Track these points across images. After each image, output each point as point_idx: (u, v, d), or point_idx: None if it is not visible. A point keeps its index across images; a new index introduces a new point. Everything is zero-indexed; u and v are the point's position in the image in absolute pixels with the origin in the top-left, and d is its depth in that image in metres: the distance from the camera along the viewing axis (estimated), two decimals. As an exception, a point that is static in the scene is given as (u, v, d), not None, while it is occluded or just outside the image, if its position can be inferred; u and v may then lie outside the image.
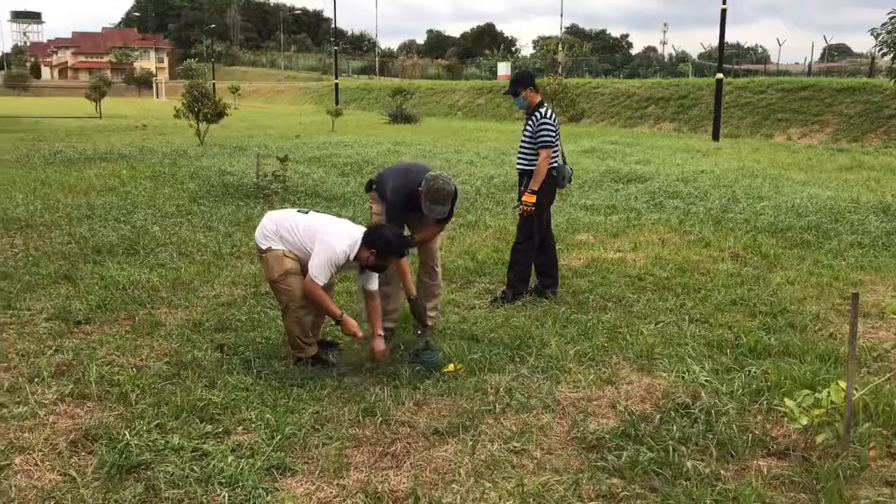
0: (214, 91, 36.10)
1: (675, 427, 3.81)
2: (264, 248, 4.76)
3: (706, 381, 4.44)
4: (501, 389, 4.36)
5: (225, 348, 4.94)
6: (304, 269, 4.70)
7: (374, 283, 4.83)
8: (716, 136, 25.29)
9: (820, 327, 5.65)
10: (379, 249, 4.58)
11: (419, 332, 5.26)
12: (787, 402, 3.63)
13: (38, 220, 9.06)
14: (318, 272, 4.54)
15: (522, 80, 6.50)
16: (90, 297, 6.07)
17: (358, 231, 4.66)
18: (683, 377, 4.53)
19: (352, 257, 4.61)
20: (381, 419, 3.98)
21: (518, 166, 6.49)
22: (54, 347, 5.01)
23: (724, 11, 25.43)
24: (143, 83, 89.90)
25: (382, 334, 4.80)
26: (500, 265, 7.38)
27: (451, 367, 4.68)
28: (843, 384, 3.50)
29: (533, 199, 6.20)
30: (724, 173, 14.11)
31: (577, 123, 31.57)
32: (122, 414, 3.99)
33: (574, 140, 23.31)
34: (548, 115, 6.29)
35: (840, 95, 27.07)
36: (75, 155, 16.31)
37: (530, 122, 6.30)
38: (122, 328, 5.45)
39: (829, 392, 3.53)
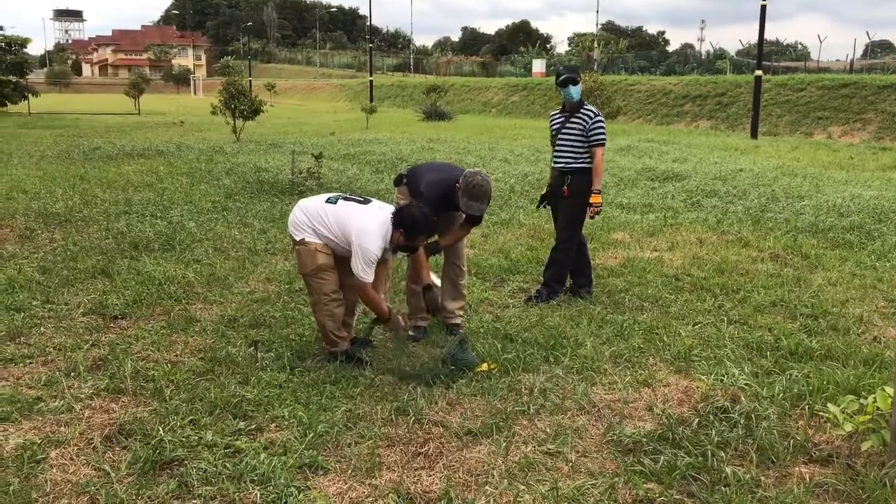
0: (251, 88, 36.40)
1: (713, 431, 3.72)
2: (297, 239, 4.74)
3: (746, 384, 4.33)
4: (535, 390, 4.30)
5: (259, 345, 4.94)
6: (338, 261, 4.70)
7: (390, 257, 4.86)
8: (754, 134, 24.90)
9: (863, 330, 5.50)
10: (407, 229, 4.58)
11: (452, 333, 5.22)
12: (831, 407, 3.52)
13: (76, 216, 9.19)
14: (363, 273, 4.53)
15: (579, 71, 6.45)
16: (126, 292, 6.13)
17: (387, 217, 4.63)
18: (722, 380, 4.43)
19: (388, 243, 4.62)
20: (413, 418, 3.94)
21: (558, 164, 6.33)
22: (91, 342, 5.06)
23: (763, 7, 25.04)
24: (181, 80, 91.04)
25: (387, 313, 4.83)
26: (534, 264, 7.32)
27: (484, 366, 4.64)
28: (889, 390, 3.39)
29: (600, 199, 6.13)
30: (763, 172, 13.86)
31: (613, 121, 31.26)
32: (157, 409, 4.01)
33: (610, 138, 22.97)
34: (600, 113, 6.23)
35: (883, 93, 26.46)
36: (113, 151, 16.54)
37: (581, 120, 6.16)
38: (157, 323, 5.49)
39: (874, 398, 3.42)
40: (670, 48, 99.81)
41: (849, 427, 3.42)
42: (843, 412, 3.47)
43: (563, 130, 6.28)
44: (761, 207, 10.19)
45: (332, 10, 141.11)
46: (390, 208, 4.72)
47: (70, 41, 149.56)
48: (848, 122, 26.41)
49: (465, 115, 39.15)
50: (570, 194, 6.24)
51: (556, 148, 6.36)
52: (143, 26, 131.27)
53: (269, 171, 13.30)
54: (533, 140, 21.85)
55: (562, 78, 6.25)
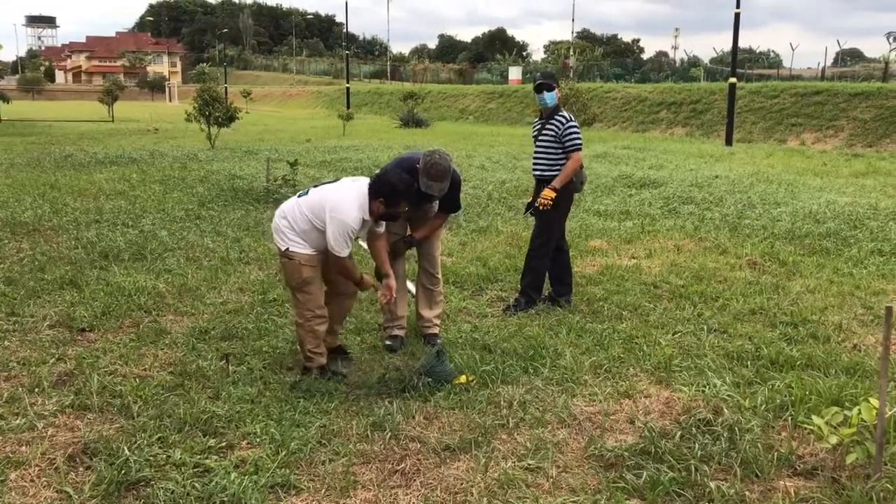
0: (227, 95, 35.95)
1: (696, 445, 3.65)
2: (282, 249, 4.61)
3: (727, 395, 4.27)
4: (515, 403, 4.21)
5: (230, 358, 4.80)
6: (323, 266, 4.61)
7: (380, 227, 4.76)
8: (729, 141, 25.07)
9: (843, 338, 5.47)
10: (387, 197, 4.48)
11: (429, 343, 5.12)
12: (816, 419, 3.46)
13: (45, 225, 8.98)
14: (338, 246, 4.42)
15: (555, 77, 6.40)
16: (95, 303, 5.97)
17: (362, 188, 4.52)
18: (703, 391, 4.37)
19: (366, 215, 4.51)
20: (390, 434, 3.83)
21: (536, 172, 6.26)
22: (56, 356, 4.90)
23: (737, 15, 25.23)
24: (156, 87, 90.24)
25: (391, 273, 4.81)
26: (512, 272, 7.24)
27: (462, 378, 4.54)
28: (874, 401, 3.34)
29: (552, 194, 6.00)
30: (739, 178, 13.91)
31: (589, 128, 31.35)
32: (123, 426, 3.87)
33: (586, 145, 22.98)
34: (573, 119, 6.16)
35: (855, 100, 26.79)
36: (86, 159, 16.27)
37: (554, 125, 6.09)
38: (126, 336, 5.33)
39: (859, 409, 3.37)
40: (645, 56, 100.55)
41: (834, 439, 3.36)
42: (828, 424, 3.41)
43: (540, 137, 6.22)
44: (738, 214, 10.20)
45: (309, 16, 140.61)
46: (365, 180, 4.62)
47: (43, 48, 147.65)
48: (821, 128, 26.69)
49: (443, 122, 39.10)
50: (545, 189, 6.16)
51: (534, 155, 6.30)
52: (117, 33, 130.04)
53: (244, 178, 13.14)
54: (510, 147, 21.82)
55: (537, 83, 6.20)
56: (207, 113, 20.24)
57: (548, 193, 6.00)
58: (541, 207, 6.03)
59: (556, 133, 6.07)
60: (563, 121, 6.09)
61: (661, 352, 5.05)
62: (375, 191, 4.47)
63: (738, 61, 29.21)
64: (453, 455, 3.67)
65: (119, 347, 5.07)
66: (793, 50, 63.73)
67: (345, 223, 4.37)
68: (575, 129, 6.06)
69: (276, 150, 20.09)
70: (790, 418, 4.00)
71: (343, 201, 4.41)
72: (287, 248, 4.59)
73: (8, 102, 37.87)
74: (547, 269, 6.30)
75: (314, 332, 4.62)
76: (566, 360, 4.88)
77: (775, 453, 3.61)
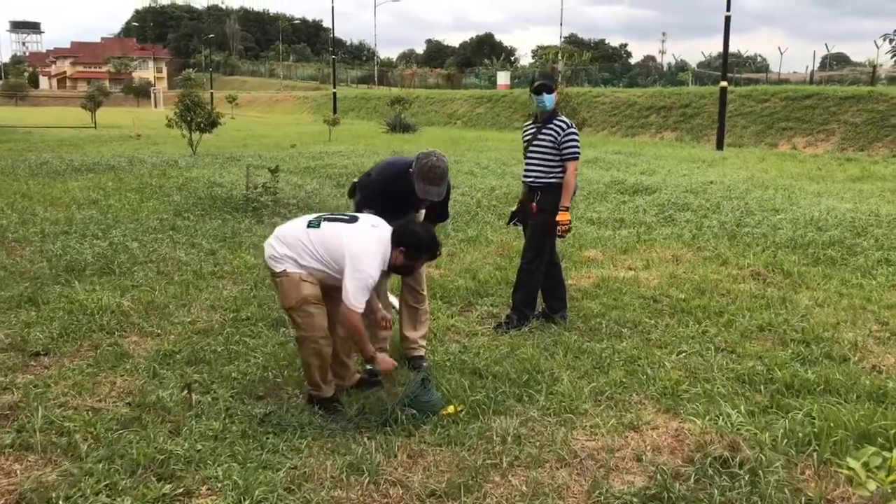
0: (212, 100, 35.28)
1: (714, 488, 3.24)
2: (278, 271, 4.15)
3: (743, 426, 3.87)
4: (509, 438, 3.79)
5: (193, 387, 4.36)
6: (325, 290, 4.15)
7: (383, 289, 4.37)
8: (720, 146, 24.80)
9: (860, 357, 5.08)
10: (409, 247, 4.08)
11: (414, 367, 4.70)
12: (851, 461, 3.05)
13: (9, 236, 8.50)
14: (356, 301, 3.92)
15: (554, 78, 5.97)
16: (53, 324, 5.51)
17: (385, 236, 4.10)
18: (716, 421, 3.97)
19: (387, 265, 4.11)
20: (368, 478, 3.40)
21: (528, 178, 5.83)
22: (3, 385, 4.44)
23: (727, 19, 25.00)
24: (142, 93, 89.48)
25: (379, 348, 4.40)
26: (503, 285, 6.83)
27: (450, 408, 4.12)
28: (916, 441, 2.94)
29: (568, 216, 5.60)
30: (734, 184, 13.57)
31: (579, 132, 31.03)
32: (67, 471, 3.42)
33: (576, 149, 22.76)
34: (573, 125, 5.74)
35: (845, 104, 26.57)
36: (62, 166, 15.75)
37: (552, 131, 5.66)
38: (83, 361, 4.88)
39: (899, 450, 2.96)
40: (632, 60, 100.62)
41: (872, 486, 2.95)
42: (865, 466, 3.00)
43: (535, 142, 5.78)
44: (736, 221, 9.83)
45: (296, 21, 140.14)
46: (385, 225, 4.18)
47: (27, 53, 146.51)
48: (812, 132, 26.46)
49: (431, 127, 38.69)
50: (538, 210, 5.74)
51: (527, 161, 5.87)
52: (102, 38, 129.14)
53: (224, 186, 12.67)
54: (499, 152, 21.43)
55: (535, 84, 5.75)
56: (189, 118, 19.74)
57: (564, 217, 5.59)
58: (564, 235, 5.65)
59: (555, 139, 5.66)
60: (563, 126, 5.68)
61: (667, 375, 4.65)
62: (398, 239, 4.08)
63: (728, 66, 29.00)
64: (440, 502, 3.25)
65: (74, 374, 4.62)
66: (781, 54, 63.98)
67: (366, 275, 3.93)
68: (575, 137, 5.65)
69: (260, 155, 19.64)
70: (815, 454, 3.59)
71: (366, 252, 3.98)
72: (284, 270, 4.14)
73: (-12, 108, 37.14)
74: (540, 284, 5.89)
75: (320, 353, 4.15)
76: (564, 386, 4.47)
77: (803, 497, 3.21)
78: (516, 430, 3.88)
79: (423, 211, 4.88)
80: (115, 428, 3.87)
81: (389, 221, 4.61)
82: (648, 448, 3.73)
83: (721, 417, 4.00)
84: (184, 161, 17.30)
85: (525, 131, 6.01)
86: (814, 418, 3.95)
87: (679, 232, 9.28)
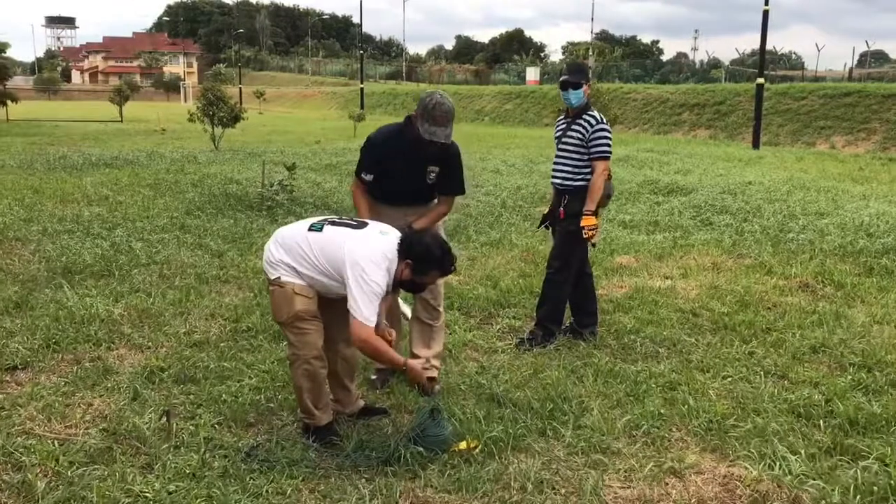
0: (241, 95, 34.76)
1: (776, 560, 2.69)
2: (272, 278, 3.69)
3: (805, 475, 3.30)
4: (529, 484, 3.26)
5: (174, 413, 3.88)
6: (322, 301, 3.67)
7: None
8: (756, 144, 23.97)
9: (931, 387, 4.48)
10: (417, 259, 3.55)
11: (424, 392, 4.18)
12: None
13: (10, 234, 8.12)
14: (368, 312, 3.42)
15: (585, 71, 5.34)
16: (36, 333, 5.07)
17: (391, 245, 3.58)
18: (772, 466, 3.40)
19: (392, 276, 3.59)
20: (361, 535, 2.90)
21: (556, 180, 5.26)
22: (-32, 406, 4.01)
23: (765, 13, 24.14)
24: (172, 87, 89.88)
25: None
26: (527, 295, 6.30)
27: (463, 444, 3.59)
28: None
29: (593, 220, 5.03)
30: (774, 185, 12.86)
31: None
32: (16, 517, 2.96)
33: (606, 147, 22.12)
34: (604, 120, 5.18)
35: (888, 102, 25.58)
36: (80, 160, 15.45)
37: (581, 127, 5.10)
38: (61, 378, 4.43)
39: None
40: (664, 58, 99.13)
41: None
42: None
43: (563, 140, 5.22)
44: (780, 226, 9.18)
45: (325, 17, 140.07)
46: (395, 233, 3.68)
47: (61, 48, 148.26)
48: (851, 131, 25.53)
49: (458, 124, 37.56)
50: (566, 216, 5.19)
51: (555, 161, 5.31)
52: (134, 33, 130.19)
53: (240, 182, 12.25)
54: (527, 150, 20.86)
55: (561, 79, 5.17)
56: (211, 113, 19.42)
57: (588, 221, 5.02)
58: (592, 242, 5.08)
59: (583, 136, 5.10)
60: (592, 122, 5.11)
61: (711, 407, 4.09)
62: (405, 250, 3.57)
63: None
64: (445, 568, 2.74)
65: (48, 394, 4.17)
66: (818, 51, 62.34)
67: (376, 285, 3.45)
68: (605, 134, 5.08)
69: (283, 151, 19.28)
70: (894, 514, 3.03)
71: (368, 261, 3.48)
72: (278, 277, 3.67)
73: (16, 102, 37.15)
74: (567, 297, 5.34)
75: (312, 374, 3.65)
76: (594, 418, 3.93)
77: (884, 573, 2.65)
78: (538, 473, 3.35)
79: (435, 180, 4.36)
80: (81, 462, 3.41)
81: (399, 188, 4.25)
82: (693, 500, 3.18)
83: (778, 462, 3.44)
84: (204, 156, 16.97)
85: (557, 127, 5.44)
86: (888, 466, 3.37)
87: (718, 237, 8.66)
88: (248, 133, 26.00)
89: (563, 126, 5.27)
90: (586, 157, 5.08)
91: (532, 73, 57.92)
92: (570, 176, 5.16)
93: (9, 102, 34.77)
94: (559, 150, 5.25)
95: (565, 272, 5.25)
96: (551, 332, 5.26)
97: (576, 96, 5.11)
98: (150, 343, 5.05)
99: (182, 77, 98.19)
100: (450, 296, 6.15)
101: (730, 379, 4.57)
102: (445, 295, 5.78)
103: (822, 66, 58.21)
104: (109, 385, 4.34)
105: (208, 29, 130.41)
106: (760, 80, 24.68)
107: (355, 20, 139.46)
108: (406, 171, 4.26)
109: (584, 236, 5.01)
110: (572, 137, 5.13)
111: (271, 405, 4.10)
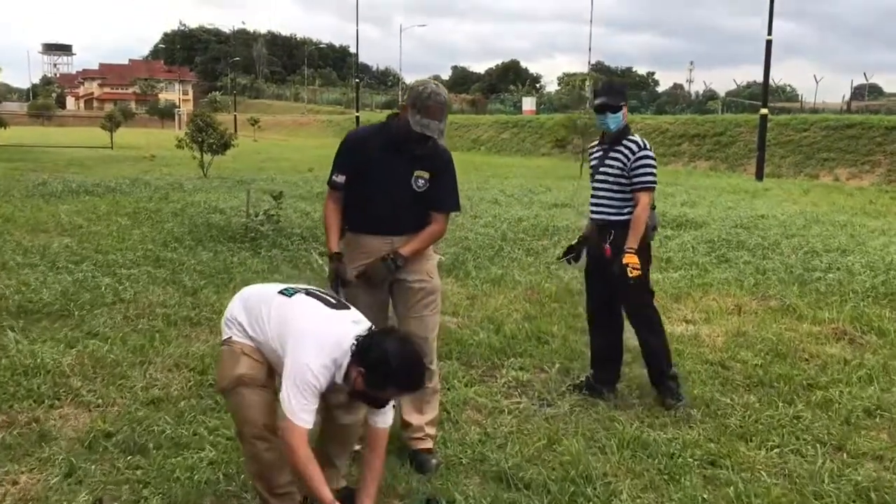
0: (236, 123, 34.21)
1: None
2: (224, 338, 3.10)
3: None
4: None
5: (107, 501, 3.18)
6: (274, 377, 3.03)
7: (383, 419, 3.03)
8: (759, 176, 23.49)
9: None
10: (371, 369, 2.76)
11: (421, 468, 3.48)
12: None
13: (-33, 268, 7.43)
14: (294, 407, 2.76)
15: (623, 91, 4.67)
16: (-32, 388, 4.37)
17: (348, 336, 2.84)
18: (855, 580, 2.72)
19: (339, 377, 2.86)
20: None
21: (597, 216, 4.58)
22: None
23: (769, 43, 23.82)
24: (167, 114, 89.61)
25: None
26: (535, 342, 5.62)
27: (466, 543, 2.90)
28: None
29: (635, 259, 4.34)
30: (789, 219, 12.26)
31: (608, 160, 29.83)
32: None
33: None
34: (648, 146, 4.52)
35: (892, 134, 25.16)
36: (59, 188, 14.77)
37: (621, 154, 4.44)
38: (-14, 446, 3.73)
39: None
40: (659, 89, 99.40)
41: None
42: None
43: (601, 169, 4.55)
44: (803, 264, 8.52)
45: (322, 46, 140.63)
46: (363, 326, 2.93)
47: (58, 75, 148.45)
48: (855, 163, 25.11)
49: (455, 153, 36.66)
50: (613, 253, 4.44)
51: (593, 192, 4.64)
52: (130, 60, 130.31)
53: (224, 212, 11.58)
54: (525, 179, 20.30)
55: (597, 103, 4.53)
56: (200, 139, 18.82)
57: (631, 260, 4.33)
58: (631, 280, 4.37)
59: (624, 164, 4.44)
60: (634, 148, 4.44)
61: (764, 490, 3.40)
62: (358, 353, 2.81)
63: (757, 94, 27.79)
64: None
65: (-35, 468, 3.47)
66: (817, 83, 61.87)
67: (305, 371, 2.77)
68: (649, 161, 4.42)
69: (273, 179, 18.68)
70: None
71: (315, 341, 2.82)
72: (229, 338, 3.06)
73: (5, 128, 36.65)
74: (663, 329, 4.68)
75: (256, 457, 2.97)
76: (623, 506, 3.24)
77: None
78: (562, 588, 2.66)
79: (425, 191, 3.68)
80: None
81: (380, 199, 3.59)
82: None
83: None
84: (190, 184, 16.33)
85: (590, 154, 4.78)
86: None
87: (738, 276, 8.00)
88: (241, 160, 25.40)
89: (599, 154, 4.61)
90: (629, 187, 4.44)
91: (528, 104, 57.83)
92: (613, 211, 4.50)
93: (-2, 128, 34.27)
94: (597, 181, 4.58)
95: (651, 313, 4.62)
96: (675, 376, 4.61)
97: (614, 121, 4.46)
98: (100, 400, 4.34)
99: (177, 104, 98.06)
100: (447, 342, 5.48)
101: (777, 450, 3.88)
102: (442, 341, 5.13)
103: (818, 98, 57.84)
104: (43, 455, 3.63)
105: (205, 57, 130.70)
106: (764, 111, 24.30)
107: (352, 50, 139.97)
108: (389, 176, 3.60)
109: (630, 276, 4.33)
110: (612, 167, 4.47)
111: (232, 486, 3.39)
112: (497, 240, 10.06)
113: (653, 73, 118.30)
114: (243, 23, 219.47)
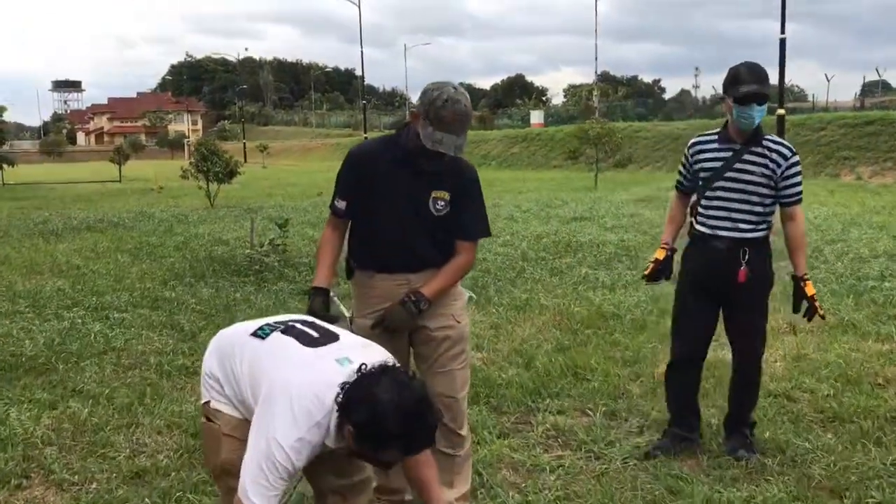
0: (245, 151, 33.65)
1: None
2: (203, 401, 2.56)
3: None
4: None
5: None
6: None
7: (360, 473, 2.57)
8: (781, 178, 22.78)
9: None
10: (360, 430, 2.17)
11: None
12: None
13: (-51, 319, 6.89)
14: (251, 491, 2.19)
15: (769, 79, 3.77)
16: (-75, 468, 3.79)
17: (333, 383, 2.22)
18: None
19: (331, 441, 2.26)
20: None
21: (726, 231, 3.74)
22: None
23: (783, 42, 23.22)
24: (176, 145, 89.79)
25: None
26: (572, 378, 5.00)
27: None
28: None
29: (812, 289, 3.74)
30: (825, 222, 11.59)
31: (624, 169, 29.22)
32: None
33: (624, 188, 20.99)
34: (796, 151, 3.79)
35: (915, 130, 24.47)
36: (60, 225, 14.32)
37: (766, 159, 3.65)
38: (-64, 544, 3.14)
39: None
40: (666, 96, 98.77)
41: None
42: None
43: (731, 173, 3.72)
44: (852, 272, 7.86)
45: (328, 70, 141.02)
46: (349, 368, 2.28)
47: (68, 111, 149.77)
48: (877, 161, 24.41)
49: (464, 170, 37.09)
50: (749, 278, 3.74)
51: (716, 200, 3.77)
52: (138, 93, 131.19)
53: (228, 243, 11.05)
54: (539, 193, 19.70)
55: (744, 91, 3.56)
56: (205, 168, 18.34)
57: (812, 290, 3.72)
58: (821, 315, 3.77)
59: (773, 171, 3.66)
60: (786, 152, 3.67)
61: (879, 568, 2.75)
62: (345, 407, 2.20)
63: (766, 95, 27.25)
64: None
65: None
66: (828, 81, 60.53)
67: (277, 447, 2.18)
68: (800, 169, 3.74)
69: (281, 206, 18.18)
70: None
71: (283, 407, 2.22)
72: (208, 402, 2.51)
73: (13, 166, 36.38)
74: (759, 383, 4.07)
75: None
76: None
77: None
78: None
79: (445, 213, 3.06)
80: None
81: (392, 226, 2.98)
82: None
83: None
84: (195, 215, 15.84)
85: (700, 149, 3.87)
86: None
87: (783, 288, 7.30)
88: (249, 188, 25.00)
89: (727, 153, 3.76)
90: (770, 199, 3.71)
91: (536, 116, 57.47)
92: (750, 226, 3.73)
93: (4, 166, 34.04)
94: (724, 188, 3.74)
95: (763, 344, 4.01)
96: (753, 423, 4.00)
97: (761, 115, 3.65)
98: (75, 476, 3.74)
99: (186, 135, 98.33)
100: (473, 382, 4.82)
101: (879, 508, 3.24)
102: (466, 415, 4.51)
103: (826, 97, 57.03)
104: (0, 556, 3.05)
105: (212, 86, 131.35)
106: (781, 111, 23.66)
107: (358, 72, 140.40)
108: (400, 199, 3.01)
109: (820, 314, 3.73)
110: (751, 173, 3.68)
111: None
112: (517, 260, 9.45)
113: (658, 81, 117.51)
114: (246, 49, 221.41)
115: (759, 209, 3.72)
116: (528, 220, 13.38)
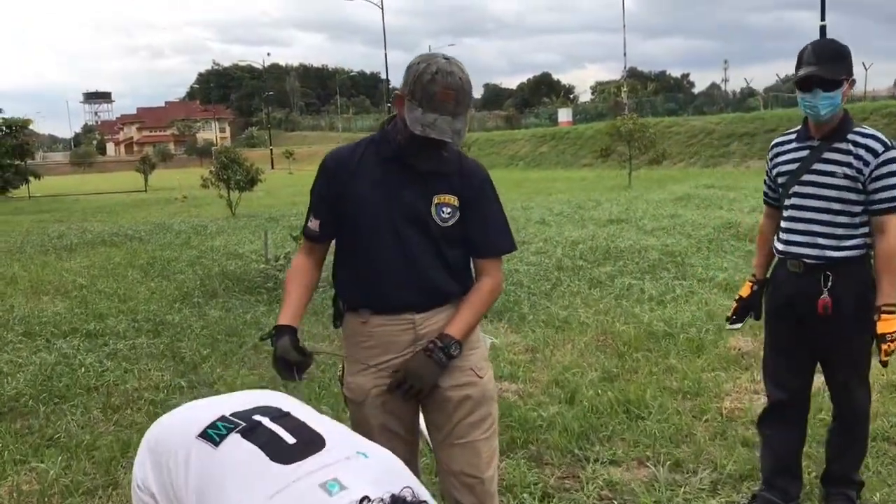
0: (272, 157, 33.01)
1: None
2: None
3: None
4: None
5: None
6: None
7: None
8: (825, 172, 21.79)
9: None
10: None
11: None
12: None
13: (-66, 351, 6.33)
14: None
15: (847, 57, 2.97)
16: None
17: None
18: None
19: None
20: None
21: (802, 248, 3.01)
22: None
23: (822, 28, 22.28)
24: (205, 153, 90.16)
25: None
26: (624, 416, 4.26)
27: None
28: None
29: (890, 325, 2.83)
30: None
31: (659, 166, 28.27)
32: None
33: (660, 185, 20.13)
34: (893, 143, 3.03)
35: (967, 115, 23.29)
36: (75, 239, 13.85)
37: (850, 156, 2.91)
38: None
39: None
40: (695, 90, 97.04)
41: None
42: None
43: (808, 176, 3.00)
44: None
45: (353, 74, 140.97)
46: (347, 496, 1.52)
47: (99, 122, 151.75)
48: (927, 150, 23.26)
49: (492, 170, 35.66)
50: (838, 310, 2.93)
51: (792, 210, 3.07)
52: (167, 102, 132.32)
53: (243, 257, 10.44)
54: (571, 194, 18.92)
55: (801, 74, 2.89)
56: (226, 177, 17.86)
57: (888, 328, 2.81)
58: (887, 356, 2.87)
59: (859, 171, 2.90)
60: (876, 146, 2.90)
61: None
62: None
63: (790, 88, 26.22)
64: None
65: None
66: (865, 69, 58.20)
67: None
68: None
69: (304, 214, 17.56)
70: None
71: None
72: None
73: (39, 178, 36.48)
74: (866, 436, 3.30)
75: None
76: None
77: None
78: None
79: (454, 222, 2.36)
80: None
81: (383, 245, 2.28)
82: None
83: None
84: (215, 225, 15.30)
85: (778, 153, 3.17)
86: None
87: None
88: (273, 195, 24.57)
89: (804, 152, 3.04)
90: (860, 206, 2.95)
91: (564, 115, 56.64)
92: (832, 242, 2.97)
93: (31, 178, 34.06)
94: (799, 194, 3.03)
95: (865, 389, 3.14)
96: (860, 484, 3.26)
97: (828, 104, 2.89)
98: (31, 560, 3.11)
99: (215, 142, 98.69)
100: (507, 423, 4.15)
101: None
102: (500, 422, 3.79)
103: (868, 86, 55.20)
104: None
105: (239, 94, 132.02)
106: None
107: (383, 76, 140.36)
108: (393, 209, 2.31)
109: (885, 350, 2.83)
110: (832, 174, 2.95)
111: None
112: (552, 270, 8.71)
113: (687, 75, 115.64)
114: (268, 54, 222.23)
115: (843, 219, 2.95)
116: (561, 224, 12.62)
